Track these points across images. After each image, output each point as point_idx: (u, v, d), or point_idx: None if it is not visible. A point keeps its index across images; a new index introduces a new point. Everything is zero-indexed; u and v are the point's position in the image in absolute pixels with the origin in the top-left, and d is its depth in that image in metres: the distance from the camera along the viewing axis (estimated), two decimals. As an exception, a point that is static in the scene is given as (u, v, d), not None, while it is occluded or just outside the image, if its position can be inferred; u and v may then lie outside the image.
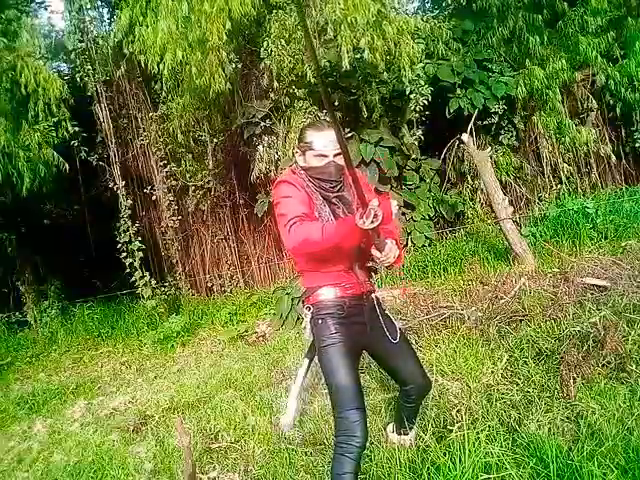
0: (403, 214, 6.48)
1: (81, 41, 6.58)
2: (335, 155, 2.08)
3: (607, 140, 7.34)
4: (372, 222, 1.71)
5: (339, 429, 1.98)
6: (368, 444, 2.14)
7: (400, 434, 2.44)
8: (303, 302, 2.21)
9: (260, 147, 6.31)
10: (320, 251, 1.93)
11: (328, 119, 2.25)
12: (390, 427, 2.53)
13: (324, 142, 2.08)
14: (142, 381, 4.67)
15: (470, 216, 6.84)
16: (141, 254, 6.46)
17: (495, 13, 6.85)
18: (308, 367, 2.31)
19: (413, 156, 6.71)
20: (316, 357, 2.17)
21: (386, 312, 2.24)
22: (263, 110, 6.29)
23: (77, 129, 6.31)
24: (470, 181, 7.03)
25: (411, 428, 2.42)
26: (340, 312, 2.08)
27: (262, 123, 6.29)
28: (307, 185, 2.11)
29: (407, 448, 2.39)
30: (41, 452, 3.46)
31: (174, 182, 7.27)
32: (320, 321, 2.09)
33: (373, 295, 2.20)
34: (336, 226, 1.90)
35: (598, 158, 7.33)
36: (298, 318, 5.03)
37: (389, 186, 6.41)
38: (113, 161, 6.81)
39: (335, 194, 2.13)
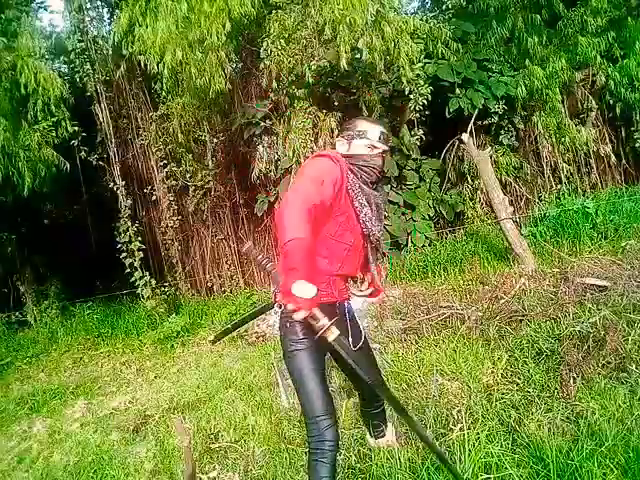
0: (403, 214, 6.49)
1: (81, 41, 6.58)
2: (384, 151, 2.12)
3: (607, 140, 7.34)
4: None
5: (311, 435, 1.99)
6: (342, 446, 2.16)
7: (376, 437, 2.47)
8: (275, 297, 2.12)
9: (260, 147, 6.32)
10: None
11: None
12: (367, 434, 2.54)
13: (378, 134, 2.09)
14: (142, 381, 4.67)
15: (470, 216, 6.84)
16: (141, 254, 6.46)
17: (494, 13, 6.85)
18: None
19: (413, 156, 6.71)
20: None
21: (354, 317, 2.24)
22: (263, 110, 6.29)
23: (77, 129, 6.31)
24: (470, 181, 7.03)
25: (383, 430, 2.44)
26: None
27: (262, 123, 6.29)
28: (346, 172, 2.03)
29: (395, 447, 2.39)
30: (41, 452, 3.46)
31: (174, 182, 7.27)
32: (288, 324, 2.04)
33: (346, 303, 2.20)
34: (298, 255, 1.75)
35: (598, 158, 7.33)
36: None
37: (389, 186, 6.41)
38: (113, 161, 6.81)
39: (373, 194, 2.09)
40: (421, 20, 5.93)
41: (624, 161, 7.53)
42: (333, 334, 1.83)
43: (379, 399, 2.37)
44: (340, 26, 4.92)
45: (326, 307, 1.98)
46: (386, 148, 2.13)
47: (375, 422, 2.45)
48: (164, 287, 7.05)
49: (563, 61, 6.41)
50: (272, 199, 6.56)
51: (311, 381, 2.00)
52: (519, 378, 2.89)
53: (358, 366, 2.01)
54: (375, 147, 2.09)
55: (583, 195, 6.72)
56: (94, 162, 6.93)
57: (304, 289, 1.70)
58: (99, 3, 7.87)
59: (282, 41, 5.42)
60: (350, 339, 2.11)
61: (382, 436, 2.46)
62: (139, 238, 6.53)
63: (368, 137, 2.08)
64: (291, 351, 2.04)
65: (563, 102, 6.86)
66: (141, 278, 6.45)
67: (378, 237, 2.13)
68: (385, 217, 2.18)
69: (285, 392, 2.43)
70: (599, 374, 2.72)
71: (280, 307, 2.05)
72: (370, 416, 2.44)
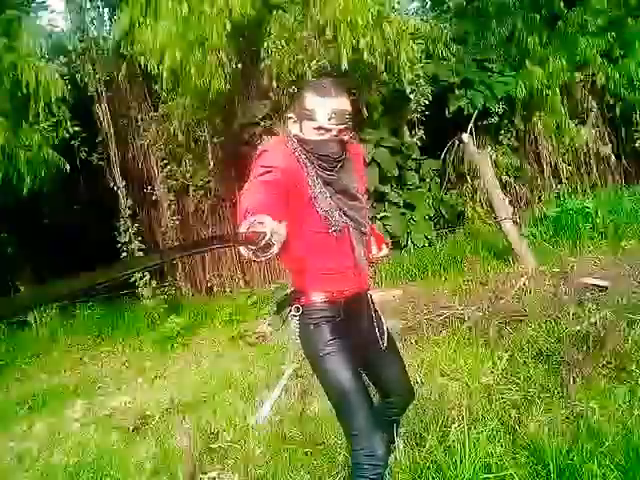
0: (403, 214, 6.49)
1: (81, 41, 6.60)
2: (341, 131, 1.67)
3: (607, 140, 7.34)
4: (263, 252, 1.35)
5: (357, 449, 1.70)
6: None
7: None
8: (290, 302, 1.85)
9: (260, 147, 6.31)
10: None
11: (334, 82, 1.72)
12: None
13: (328, 112, 1.63)
14: (142, 381, 4.67)
15: (470, 216, 6.84)
16: (141, 254, 6.46)
17: (494, 13, 6.85)
18: (290, 376, 2.04)
19: (413, 156, 6.71)
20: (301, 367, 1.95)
21: (378, 313, 1.96)
22: (263, 110, 6.29)
23: (77, 129, 6.31)
24: (470, 181, 7.03)
25: (392, 443, 2.07)
26: (335, 315, 1.78)
27: (262, 123, 6.29)
28: (302, 160, 1.68)
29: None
30: (41, 452, 3.46)
31: (174, 182, 7.27)
32: (313, 326, 1.77)
33: (368, 294, 1.93)
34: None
35: (598, 158, 7.34)
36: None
37: (389, 186, 6.41)
38: (113, 161, 6.81)
39: (335, 178, 1.72)
40: (422, 20, 5.94)
41: (624, 161, 7.53)
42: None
43: (404, 407, 2.06)
44: (341, 26, 4.92)
45: (350, 301, 1.80)
46: (342, 127, 1.66)
47: (388, 433, 1.98)
48: (164, 287, 7.05)
49: (563, 61, 6.42)
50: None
51: (351, 387, 1.71)
52: (519, 378, 2.89)
53: (386, 367, 1.84)
54: (326, 130, 1.65)
55: (583, 195, 6.72)
56: (94, 162, 6.93)
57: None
58: (100, 3, 7.88)
59: (282, 41, 5.42)
60: (378, 337, 1.87)
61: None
62: (139, 238, 6.53)
63: (315, 118, 1.64)
64: (322, 355, 1.74)
65: (563, 102, 6.87)
66: (141, 278, 6.45)
67: (360, 223, 1.77)
68: (357, 199, 1.77)
69: (269, 406, 2.00)
70: (599, 374, 2.72)
71: (298, 310, 1.80)
72: (385, 424, 2.00)
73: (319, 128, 1.65)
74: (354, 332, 1.82)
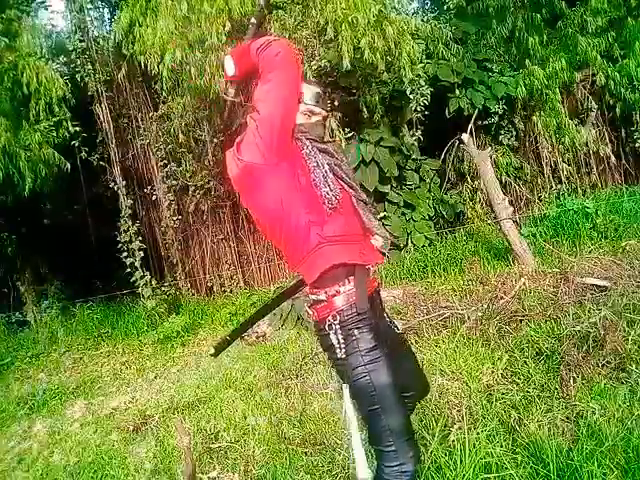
0: (403, 214, 6.49)
1: (82, 41, 6.59)
2: (325, 117, 1.80)
3: (607, 140, 7.34)
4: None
5: (390, 464, 1.59)
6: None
7: None
8: (315, 311, 1.67)
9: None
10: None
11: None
12: None
13: (315, 96, 1.74)
14: (142, 381, 4.67)
15: (470, 216, 6.84)
16: (142, 254, 6.46)
17: (494, 13, 6.85)
18: (349, 396, 1.68)
19: (413, 156, 6.71)
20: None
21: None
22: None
23: (77, 129, 6.31)
24: (470, 181, 7.03)
25: None
26: (371, 315, 1.63)
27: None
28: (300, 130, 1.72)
29: None
30: (41, 452, 3.46)
31: (174, 182, 7.27)
32: (357, 332, 1.60)
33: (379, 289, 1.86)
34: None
35: (598, 158, 7.34)
36: (298, 318, 5.03)
37: (389, 186, 6.41)
38: (113, 161, 6.81)
39: (332, 152, 1.75)
40: (422, 21, 5.94)
41: (624, 161, 7.53)
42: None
43: (418, 400, 2.02)
44: (343, 26, 4.93)
45: (360, 270, 1.66)
46: (325, 113, 1.78)
47: None
48: (164, 287, 7.05)
49: (563, 61, 6.41)
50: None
51: (396, 397, 1.61)
52: (519, 378, 2.89)
53: (401, 361, 1.74)
54: (313, 113, 1.75)
55: (583, 195, 6.72)
56: (95, 162, 6.93)
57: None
58: (100, 3, 7.89)
59: (282, 41, 5.42)
60: (396, 331, 1.82)
61: None
62: (139, 238, 6.53)
63: (303, 101, 1.72)
64: (366, 365, 1.59)
65: (563, 102, 6.87)
66: (142, 278, 6.45)
67: (358, 191, 1.75)
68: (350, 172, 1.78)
69: (363, 460, 1.66)
70: (599, 374, 2.72)
71: (335, 318, 1.61)
72: None
73: (307, 111, 1.74)
74: (383, 331, 1.72)
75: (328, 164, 1.69)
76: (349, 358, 1.60)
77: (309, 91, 1.73)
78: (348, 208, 1.71)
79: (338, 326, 1.60)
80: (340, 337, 1.60)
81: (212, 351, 2.02)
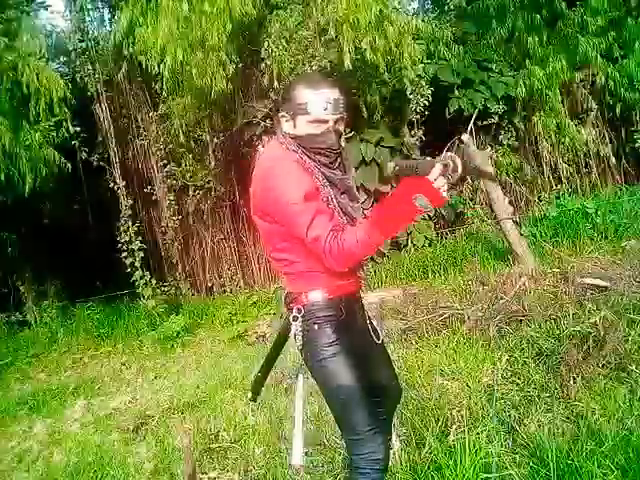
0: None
1: (82, 41, 6.60)
2: (336, 121, 1.65)
3: (607, 140, 7.34)
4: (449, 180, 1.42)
5: (358, 453, 1.68)
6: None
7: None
8: (289, 305, 1.80)
9: (260, 147, 6.30)
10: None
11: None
12: None
13: (323, 104, 1.60)
14: (142, 381, 4.67)
15: (470, 216, 6.84)
16: (142, 254, 6.46)
17: (494, 13, 6.85)
18: (304, 387, 1.86)
19: (413, 156, 6.71)
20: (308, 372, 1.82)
21: (368, 312, 1.98)
22: (263, 110, 6.29)
23: (78, 129, 6.31)
24: (470, 181, 7.03)
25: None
26: (339, 314, 1.73)
27: (262, 123, 6.29)
28: (304, 160, 1.65)
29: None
30: (41, 452, 3.46)
31: (174, 182, 7.27)
32: (316, 326, 1.71)
33: (361, 294, 1.92)
34: (391, 215, 1.50)
35: (598, 158, 7.33)
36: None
37: (389, 186, 6.40)
38: (113, 161, 6.81)
39: (338, 176, 1.69)
40: (423, 21, 5.94)
41: (624, 161, 7.53)
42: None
43: (394, 404, 2.03)
44: (344, 26, 4.93)
45: (349, 300, 1.77)
46: (338, 116, 1.64)
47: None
48: (164, 287, 7.05)
49: (563, 61, 6.41)
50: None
51: (358, 389, 1.68)
52: (519, 378, 2.89)
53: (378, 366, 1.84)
54: (323, 122, 1.62)
55: (583, 195, 6.72)
56: (95, 162, 6.93)
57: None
58: (100, 3, 7.89)
59: (283, 41, 5.42)
60: (373, 336, 1.86)
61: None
62: (139, 238, 6.53)
63: (309, 111, 1.61)
64: (325, 358, 1.69)
65: (563, 102, 6.87)
66: (141, 278, 6.45)
67: (353, 216, 1.72)
68: (357, 199, 1.77)
69: (299, 444, 1.79)
70: (599, 374, 2.72)
71: (300, 311, 1.73)
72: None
73: (315, 121, 1.62)
74: (355, 331, 1.79)
75: (335, 195, 1.68)
76: (309, 350, 1.74)
77: (317, 99, 1.60)
78: None
79: (300, 319, 1.73)
80: (299, 328, 1.73)
81: (250, 396, 2.01)
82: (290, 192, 1.58)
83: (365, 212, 1.83)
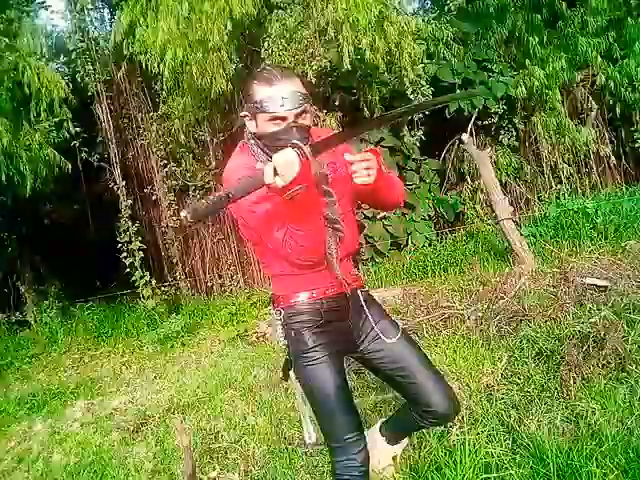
0: (404, 214, 6.49)
1: (82, 41, 6.60)
2: (297, 115, 1.53)
3: (607, 140, 7.34)
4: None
5: (339, 459, 1.69)
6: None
7: (390, 443, 2.14)
8: (273, 304, 1.79)
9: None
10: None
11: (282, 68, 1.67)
12: (378, 428, 2.15)
13: (279, 100, 1.50)
14: (142, 381, 4.67)
15: (470, 216, 6.84)
16: (142, 254, 6.47)
17: (494, 13, 6.85)
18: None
19: (413, 156, 6.71)
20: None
21: (381, 308, 1.87)
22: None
23: (78, 129, 6.31)
24: (470, 181, 7.03)
25: (402, 440, 2.17)
26: (317, 319, 1.69)
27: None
28: (262, 161, 1.58)
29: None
30: (41, 452, 3.46)
31: (174, 182, 7.27)
32: (293, 333, 1.70)
33: (359, 291, 1.79)
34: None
35: (598, 158, 7.33)
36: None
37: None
38: (113, 161, 6.82)
39: None
40: (423, 21, 5.94)
41: (624, 161, 7.53)
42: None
43: (443, 419, 1.92)
44: (344, 26, 4.93)
45: (333, 302, 1.72)
46: (298, 110, 1.52)
47: (409, 430, 2.09)
48: (164, 287, 7.05)
49: (563, 61, 6.41)
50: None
51: (334, 398, 1.66)
52: (519, 378, 2.89)
53: (405, 368, 1.72)
54: (281, 119, 1.53)
55: (583, 195, 6.72)
56: (95, 162, 6.94)
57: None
58: (100, 3, 7.89)
59: (283, 41, 5.42)
60: (380, 334, 1.75)
61: (398, 443, 2.15)
62: (139, 238, 6.53)
63: (266, 109, 1.52)
64: (304, 365, 1.69)
65: (563, 102, 6.86)
66: (141, 278, 6.46)
67: (332, 219, 1.64)
68: (328, 193, 1.62)
69: (309, 424, 1.83)
70: (599, 374, 2.72)
71: (279, 313, 1.72)
72: (414, 424, 1.95)
73: (273, 118, 1.54)
74: (341, 335, 1.74)
75: None
76: (290, 352, 1.75)
77: (271, 96, 1.51)
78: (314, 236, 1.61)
79: (279, 322, 1.74)
80: (280, 331, 1.75)
81: (281, 375, 1.91)
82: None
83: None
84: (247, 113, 1.64)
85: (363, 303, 1.75)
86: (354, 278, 1.79)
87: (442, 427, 2.02)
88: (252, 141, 1.66)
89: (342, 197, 1.67)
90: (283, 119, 1.53)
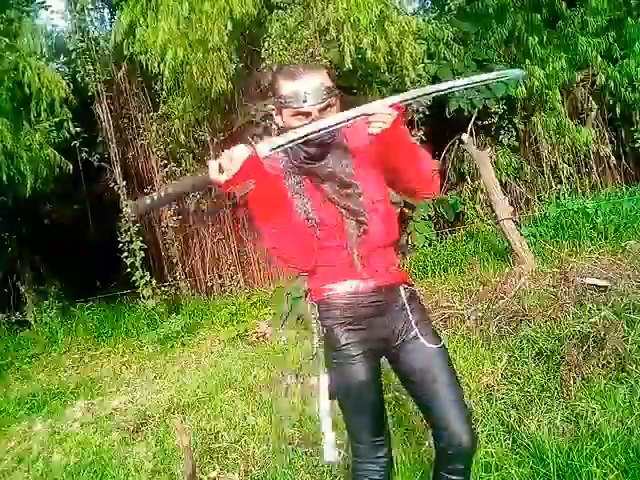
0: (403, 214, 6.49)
1: (82, 41, 6.60)
2: (322, 110, 1.49)
3: (607, 140, 7.33)
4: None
5: (358, 459, 1.65)
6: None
7: None
8: (307, 297, 1.70)
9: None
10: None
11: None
12: None
13: (302, 95, 1.47)
14: (142, 381, 4.67)
15: (470, 216, 6.84)
16: (142, 254, 6.47)
17: (494, 13, 6.85)
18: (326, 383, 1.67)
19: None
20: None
21: (425, 312, 1.72)
22: (263, 110, 6.29)
23: (78, 129, 6.32)
24: (470, 181, 7.03)
25: None
26: (349, 315, 1.59)
27: (263, 123, 6.28)
28: (285, 162, 1.59)
29: None
30: (41, 452, 3.46)
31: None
32: (325, 329, 1.61)
33: (402, 288, 1.65)
34: None
35: (598, 158, 7.33)
36: (298, 318, 5.02)
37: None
38: (113, 161, 6.82)
39: (324, 170, 1.56)
40: (423, 21, 5.94)
41: (624, 161, 7.53)
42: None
43: (459, 452, 1.58)
44: (344, 26, 4.93)
45: (370, 298, 1.60)
46: (322, 105, 1.48)
47: None
48: (164, 287, 7.05)
49: (563, 61, 6.40)
50: None
51: (363, 398, 1.59)
52: (519, 378, 2.89)
53: (430, 384, 1.57)
54: (304, 114, 1.48)
55: (583, 195, 6.72)
56: (95, 162, 6.94)
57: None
58: (100, 3, 7.89)
59: (283, 41, 5.42)
60: (420, 335, 1.61)
61: None
62: (140, 238, 6.54)
63: (289, 105, 1.49)
64: (334, 363, 1.60)
65: (563, 102, 6.86)
66: (142, 278, 6.46)
67: (355, 212, 1.57)
68: (351, 185, 1.57)
69: (330, 441, 1.65)
70: (599, 374, 2.72)
71: (314, 307, 1.64)
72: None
73: (297, 114, 1.49)
74: (377, 334, 1.62)
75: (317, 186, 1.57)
76: (323, 347, 1.64)
77: (294, 91, 1.48)
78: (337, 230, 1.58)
79: (314, 316, 1.64)
80: (315, 325, 1.65)
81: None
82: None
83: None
84: (274, 107, 1.60)
85: (405, 301, 1.64)
86: (393, 274, 1.65)
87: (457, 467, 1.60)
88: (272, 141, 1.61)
89: (368, 184, 1.60)
90: (307, 115, 1.48)
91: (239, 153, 1.35)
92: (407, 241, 1.54)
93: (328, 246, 1.59)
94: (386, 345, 1.63)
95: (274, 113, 1.60)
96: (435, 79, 6.46)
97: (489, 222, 6.47)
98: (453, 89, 1.60)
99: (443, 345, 1.64)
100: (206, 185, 1.42)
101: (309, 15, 5.44)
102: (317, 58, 5.47)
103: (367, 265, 1.59)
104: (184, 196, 1.35)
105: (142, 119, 7.39)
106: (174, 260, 7.74)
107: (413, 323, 1.62)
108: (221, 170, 1.36)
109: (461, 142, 5.81)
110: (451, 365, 1.66)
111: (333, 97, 1.53)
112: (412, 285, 1.70)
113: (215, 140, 7.02)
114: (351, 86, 6.26)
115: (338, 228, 1.58)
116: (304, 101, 1.47)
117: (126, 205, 1.38)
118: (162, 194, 1.41)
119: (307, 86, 1.47)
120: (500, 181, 6.03)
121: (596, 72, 6.69)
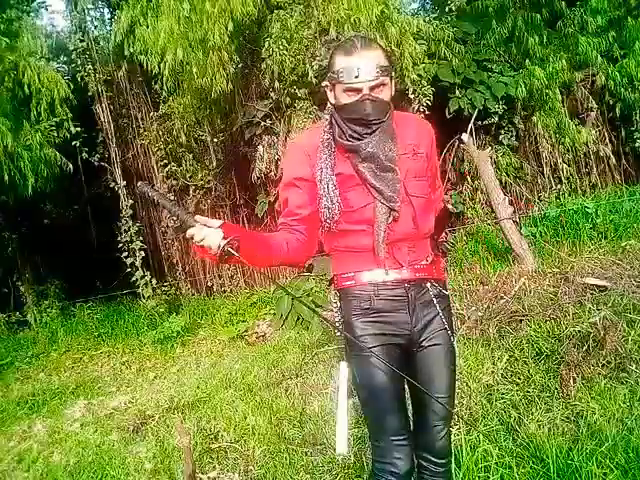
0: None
1: (82, 41, 6.61)
2: (373, 88, 1.48)
3: (607, 140, 7.33)
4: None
5: (377, 459, 1.58)
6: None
7: None
8: (331, 284, 1.68)
9: (260, 147, 6.31)
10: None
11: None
12: None
13: (354, 70, 1.45)
14: (142, 381, 4.67)
15: (470, 216, 6.83)
16: (142, 254, 6.47)
17: (494, 13, 6.85)
18: (347, 374, 1.62)
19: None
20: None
21: (450, 311, 1.68)
22: (264, 110, 6.29)
23: (78, 129, 6.32)
24: (470, 181, 7.03)
25: None
26: (366, 306, 1.55)
27: (263, 123, 6.29)
28: (324, 138, 1.57)
29: None
30: (41, 452, 3.46)
31: (174, 182, 7.28)
32: (343, 317, 1.60)
33: (430, 283, 1.61)
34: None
35: (598, 158, 7.33)
36: (298, 318, 5.02)
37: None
38: (114, 161, 6.82)
39: (366, 149, 1.51)
40: (424, 21, 5.94)
41: (624, 161, 7.53)
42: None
43: (435, 465, 1.62)
44: (345, 26, 4.93)
45: (391, 290, 1.56)
46: (372, 83, 1.46)
47: None
48: (164, 287, 7.05)
49: (563, 61, 6.40)
50: (272, 199, 6.57)
51: (382, 393, 1.54)
52: (519, 378, 2.89)
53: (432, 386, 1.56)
54: (355, 90, 1.48)
55: (583, 195, 6.72)
56: (95, 162, 6.94)
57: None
58: (100, 3, 7.89)
59: (284, 41, 5.42)
60: (441, 343, 1.59)
61: None
62: (140, 238, 6.54)
63: (342, 80, 1.47)
64: (354, 352, 1.57)
65: (563, 102, 6.86)
66: (142, 278, 6.46)
67: (389, 198, 1.53)
68: (390, 169, 1.54)
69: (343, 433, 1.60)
70: (599, 374, 2.72)
71: (336, 295, 1.62)
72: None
73: (348, 89, 1.48)
74: (399, 328, 1.57)
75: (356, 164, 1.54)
76: (344, 338, 1.61)
77: (348, 66, 1.46)
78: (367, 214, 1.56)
79: (336, 305, 1.63)
80: (336, 314, 1.63)
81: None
82: (283, 177, 1.65)
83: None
84: (327, 83, 1.58)
85: (433, 298, 1.60)
86: (419, 269, 1.59)
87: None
88: (330, 114, 1.60)
89: (409, 178, 1.58)
90: (358, 91, 1.47)
91: (210, 243, 1.38)
92: (447, 242, 1.48)
93: (353, 230, 1.56)
94: (408, 343, 1.59)
95: (328, 89, 1.58)
96: (435, 79, 6.46)
97: (489, 222, 6.47)
98: None
99: (452, 345, 1.64)
100: (186, 228, 1.45)
101: (310, 15, 5.43)
102: (318, 58, 5.46)
103: (391, 256, 1.55)
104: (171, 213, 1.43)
105: (142, 119, 7.39)
106: (174, 260, 7.74)
107: (439, 328, 1.60)
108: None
109: (461, 142, 5.80)
110: (454, 368, 1.65)
111: (387, 77, 1.51)
112: (444, 284, 1.66)
113: (215, 140, 7.02)
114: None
115: (367, 211, 1.54)
116: (356, 76, 1.45)
117: (139, 185, 1.38)
118: (163, 199, 1.55)
119: (360, 62, 1.46)
120: (500, 181, 6.03)
121: (596, 72, 6.70)
